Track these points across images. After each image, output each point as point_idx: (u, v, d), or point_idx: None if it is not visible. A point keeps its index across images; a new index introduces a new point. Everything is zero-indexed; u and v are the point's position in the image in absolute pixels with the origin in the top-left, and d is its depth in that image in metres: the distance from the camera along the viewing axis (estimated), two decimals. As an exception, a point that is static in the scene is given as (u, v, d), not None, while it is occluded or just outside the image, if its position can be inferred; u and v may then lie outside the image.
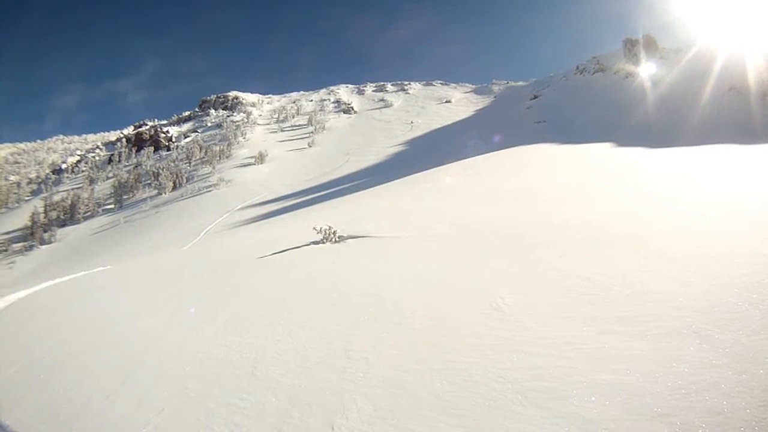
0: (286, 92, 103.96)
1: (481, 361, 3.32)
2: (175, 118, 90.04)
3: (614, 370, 2.84)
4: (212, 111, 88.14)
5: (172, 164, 59.63)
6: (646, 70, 50.84)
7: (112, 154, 73.19)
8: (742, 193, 9.47)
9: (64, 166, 76.06)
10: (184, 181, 53.85)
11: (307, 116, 78.18)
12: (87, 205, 51.02)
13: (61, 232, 44.35)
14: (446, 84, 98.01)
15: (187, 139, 74.12)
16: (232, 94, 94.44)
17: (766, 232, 5.57)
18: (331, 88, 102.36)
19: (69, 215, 49.35)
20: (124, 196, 53.15)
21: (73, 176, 70.45)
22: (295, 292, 6.43)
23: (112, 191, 54.27)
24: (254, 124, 78.44)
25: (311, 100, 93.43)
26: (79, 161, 77.25)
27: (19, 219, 48.73)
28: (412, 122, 70.19)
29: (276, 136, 72.14)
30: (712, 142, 23.22)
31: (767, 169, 14.03)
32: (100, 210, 51.10)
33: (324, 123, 74.58)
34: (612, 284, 4.42)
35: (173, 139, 75.91)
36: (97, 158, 75.63)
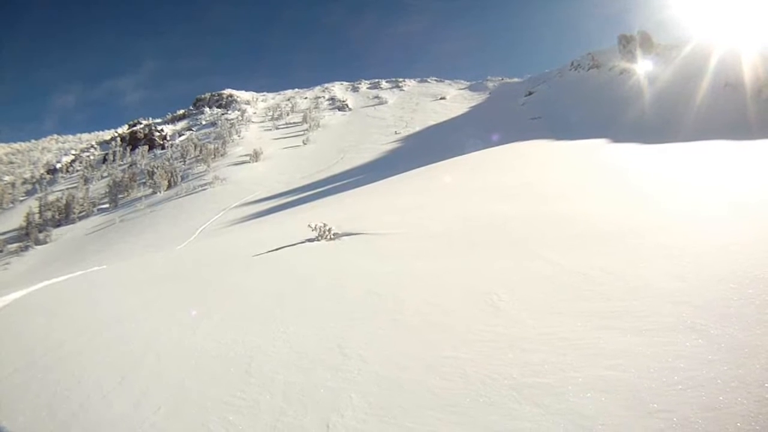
0: (281, 90, 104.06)
1: (476, 358, 3.31)
2: (169, 116, 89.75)
3: (610, 366, 2.84)
4: (207, 109, 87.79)
5: (167, 163, 59.38)
6: (641, 66, 50.91)
7: (106, 154, 72.80)
8: (739, 189, 9.51)
9: (58, 165, 75.64)
10: (179, 179, 53.58)
11: (302, 114, 78.03)
12: (82, 205, 50.80)
13: (56, 232, 44.12)
14: (441, 81, 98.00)
15: (182, 138, 73.84)
16: (227, 92, 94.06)
17: (762, 227, 5.60)
18: (326, 85, 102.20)
19: (64, 215, 49.07)
20: (119, 196, 52.86)
21: (68, 176, 70.10)
22: (289, 290, 6.41)
23: (107, 190, 53.97)
24: (249, 122, 78.27)
25: (306, 98, 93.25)
26: (73, 161, 76.78)
27: (14, 219, 48.46)
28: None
29: (271, 134, 71.94)
30: (707, 138, 23.25)
31: (763, 166, 14.08)
32: (95, 209, 50.80)
33: (319, 120, 74.47)
34: (608, 280, 4.42)
35: (168, 138, 75.69)
36: (91, 157, 75.21)
